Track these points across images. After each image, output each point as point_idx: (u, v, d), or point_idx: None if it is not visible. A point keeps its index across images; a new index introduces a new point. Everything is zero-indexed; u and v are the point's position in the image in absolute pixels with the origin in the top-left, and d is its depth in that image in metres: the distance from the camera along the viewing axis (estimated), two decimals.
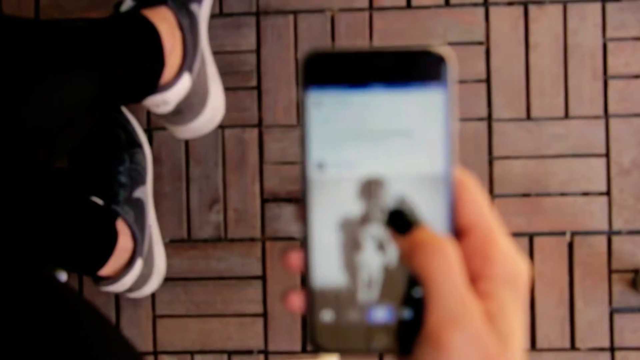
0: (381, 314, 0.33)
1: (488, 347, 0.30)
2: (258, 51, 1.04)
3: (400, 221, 0.33)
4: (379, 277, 0.33)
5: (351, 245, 0.33)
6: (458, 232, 0.33)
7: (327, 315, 0.34)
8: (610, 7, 1.01)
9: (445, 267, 0.31)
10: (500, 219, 0.34)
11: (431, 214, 0.33)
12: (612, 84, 1.01)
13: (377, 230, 0.33)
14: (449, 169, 0.33)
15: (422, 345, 0.31)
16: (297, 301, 0.34)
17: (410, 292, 0.33)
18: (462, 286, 0.31)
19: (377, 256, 0.33)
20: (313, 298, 0.34)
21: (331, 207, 0.33)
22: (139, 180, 0.99)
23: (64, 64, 0.69)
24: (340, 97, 0.33)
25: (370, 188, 0.33)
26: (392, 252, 0.33)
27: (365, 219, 0.33)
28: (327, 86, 0.33)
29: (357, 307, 0.33)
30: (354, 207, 0.33)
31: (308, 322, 0.34)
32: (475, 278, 0.32)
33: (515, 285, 0.32)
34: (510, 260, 0.33)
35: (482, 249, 0.33)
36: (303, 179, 0.33)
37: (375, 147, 0.33)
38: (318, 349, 0.34)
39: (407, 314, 0.33)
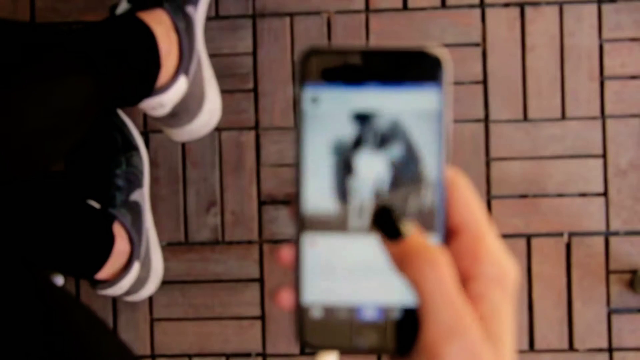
0: (370, 312, 0.33)
1: (482, 358, 0.30)
2: (254, 53, 1.04)
3: (390, 226, 0.33)
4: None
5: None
6: (449, 231, 0.33)
7: (316, 312, 0.34)
8: (606, 8, 1.01)
9: (438, 278, 0.31)
10: (497, 221, 0.34)
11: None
12: (608, 85, 1.01)
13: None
14: (443, 170, 0.33)
15: (418, 356, 0.32)
16: (287, 298, 0.34)
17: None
18: (455, 296, 0.31)
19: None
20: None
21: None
22: (136, 183, 0.99)
23: (60, 67, 0.69)
24: (336, 95, 0.33)
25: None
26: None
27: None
28: (323, 83, 0.33)
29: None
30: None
31: (295, 316, 0.34)
32: (465, 278, 0.32)
33: (504, 285, 0.33)
34: (498, 260, 0.33)
35: (472, 249, 0.33)
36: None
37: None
38: (305, 346, 0.34)
39: (397, 313, 0.33)
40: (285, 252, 0.34)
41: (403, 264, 0.32)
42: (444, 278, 0.31)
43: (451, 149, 0.33)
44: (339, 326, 0.33)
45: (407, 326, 0.33)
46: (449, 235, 0.33)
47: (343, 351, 0.33)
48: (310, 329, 0.34)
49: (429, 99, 0.33)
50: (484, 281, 0.32)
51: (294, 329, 0.34)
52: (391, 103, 0.33)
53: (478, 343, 0.31)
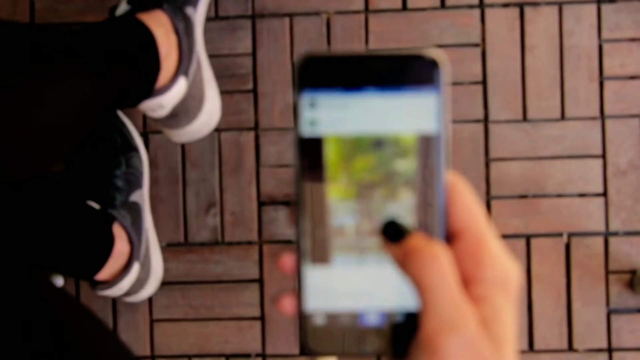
0: (373, 317, 0.33)
1: (482, 352, 0.30)
2: (254, 54, 1.04)
3: (393, 230, 0.33)
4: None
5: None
6: (450, 235, 0.33)
7: (319, 318, 0.34)
8: (605, 8, 1.01)
9: (439, 273, 0.31)
10: (496, 221, 0.34)
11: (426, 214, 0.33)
12: (608, 85, 1.01)
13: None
14: (443, 174, 0.33)
15: (417, 351, 0.32)
16: (289, 305, 0.34)
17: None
18: (456, 292, 0.31)
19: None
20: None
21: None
22: (136, 184, 0.99)
23: (60, 68, 0.69)
24: (334, 100, 0.33)
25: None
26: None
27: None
28: (322, 89, 0.33)
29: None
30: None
31: (298, 323, 0.34)
32: (467, 281, 0.32)
33: (507, 287, 0.33)
34: (501, 263, 0.33)
35: (474, 252, 0.33)
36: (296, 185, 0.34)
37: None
38: (309, 352, 0.34)
39: (399, 317, 0.33)
40: (286, 259, 0.34)
41: (405, 261, 0.32)
42: (444, 272, 0.31)
43: (450, 152, 0.33)
44: (342, 332, 0.33)
45: (406, 328, 0.33)
46: (450, 239, 0.33)
47: (346, 356, 0.34)
48: (314, 336, 0.34)
49: (427, 102, 0.33)
50: (487, 284, 0.32)
51: (298, 337, 0.34)
52: (389, 107, 0.33)
53: (477, 337, 0.31)
